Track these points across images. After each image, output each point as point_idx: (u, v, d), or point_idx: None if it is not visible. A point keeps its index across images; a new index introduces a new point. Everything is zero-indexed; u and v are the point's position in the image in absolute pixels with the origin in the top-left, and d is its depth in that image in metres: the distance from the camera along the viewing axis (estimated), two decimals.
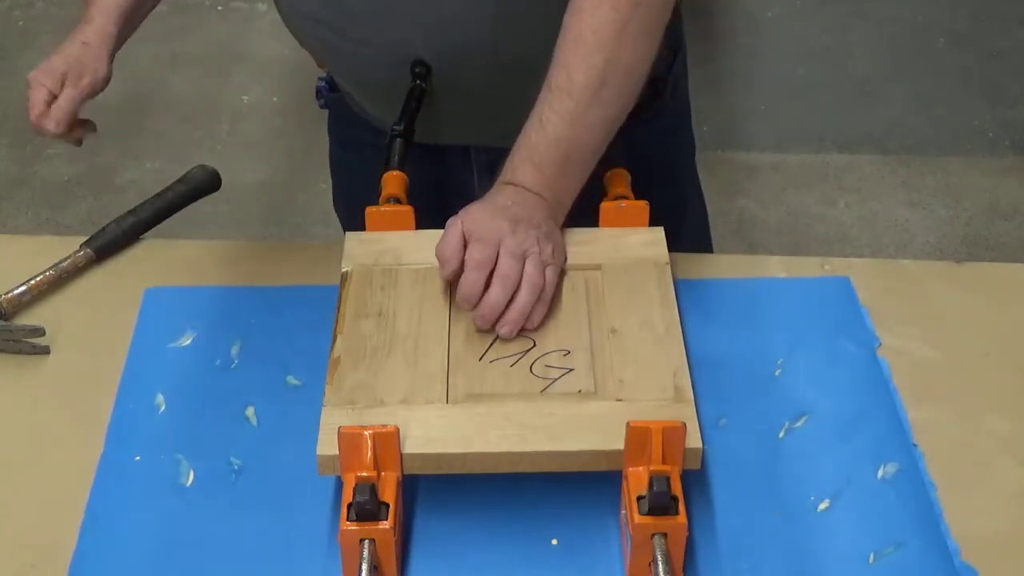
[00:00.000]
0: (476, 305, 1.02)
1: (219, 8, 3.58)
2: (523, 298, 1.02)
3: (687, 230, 1.40)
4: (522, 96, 1.10)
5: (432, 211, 1.15)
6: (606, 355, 1.01)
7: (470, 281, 1.02)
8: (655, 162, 1.31)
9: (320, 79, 1.42)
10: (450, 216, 1.07)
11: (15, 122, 3.15)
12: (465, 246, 1.03)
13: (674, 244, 1.13)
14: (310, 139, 3.02)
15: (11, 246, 1.32)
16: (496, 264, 1.02)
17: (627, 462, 0.91)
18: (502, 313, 1.02)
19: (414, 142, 1.23)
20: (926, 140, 3.03)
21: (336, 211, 1.54)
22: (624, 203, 1.15)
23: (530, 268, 1.03)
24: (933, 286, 1.21)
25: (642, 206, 1.14)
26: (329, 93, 1.39)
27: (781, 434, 1.05)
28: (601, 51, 1.06)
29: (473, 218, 1.04)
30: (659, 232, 1.14)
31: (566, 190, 1.10)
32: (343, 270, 1.11)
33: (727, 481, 1.00)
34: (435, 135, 1.27)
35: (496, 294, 1.02)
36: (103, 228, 1.25)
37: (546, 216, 1.07)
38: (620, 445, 0.91)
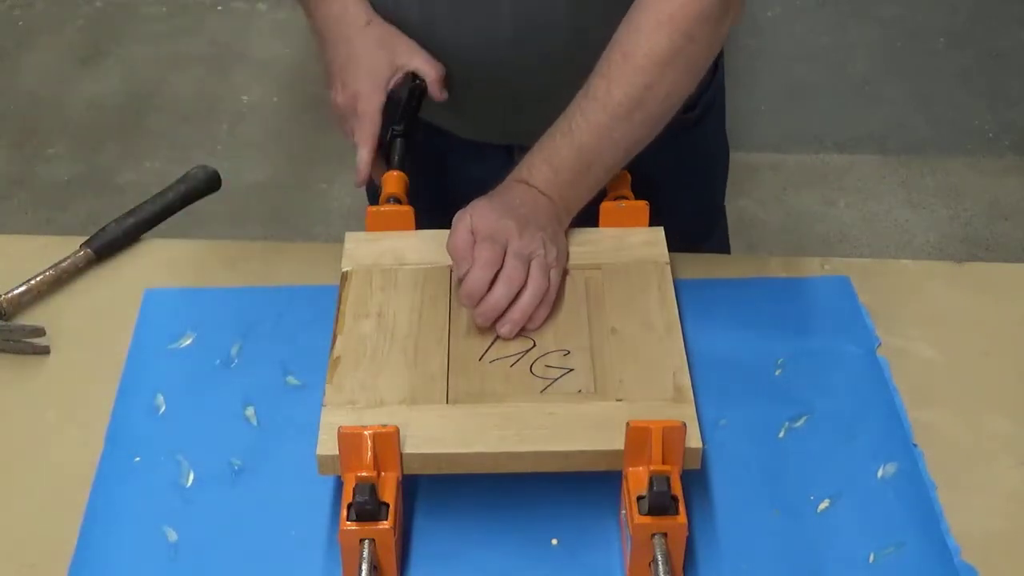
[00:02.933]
0: (478, 303, 1.02)
1: (219, 8, 3.58)
2: (526, 299, 1.02)
3: (711, 245, 1.41)
4: (570, 80, 1.12)
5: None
6: (606, 355, 1.01)
7: (476, 279, 1.02)
8: (692, 174, 1.32)
9: None
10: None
11: (15, 122, 3.15)
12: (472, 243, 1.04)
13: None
14: (310, 139, 3.02)
15: (11, 246, 1.32)
16: (502, 264, 1.02)
17: (627, 462, 0.91)
18: (503, 312, 1.02)
19: (461, 139, 1.25)
20: (926, 140, 3.03)
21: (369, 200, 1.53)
22: (624, 203, 1.15)
23: (535, 271, 1.03)
24: (933, 286, 1.21)
25: (642, 206, 1.14)
26: None
27: (781, 434, 1.05)
28: (646, 74, 1.07)
29: (482, 215, 1.05)
30: (659, 232, 1.14)
31: (576, 199, 1.11)
32: (343, 270, 1.11)
33: (727, 481, 1.00)
34: (485, 133, 1.28)
35: (500, 294, 1.02)
36: (103, 228, 1.25)
37: (552, 219, 1.08)
38: (620, 445, 0.91)
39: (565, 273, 1.09)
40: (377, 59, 1.18)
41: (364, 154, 1.17)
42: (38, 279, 1.19)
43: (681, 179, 1.30)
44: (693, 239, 1.25)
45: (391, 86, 1.18)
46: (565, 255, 1.09)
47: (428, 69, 1.18)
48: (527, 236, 1.04)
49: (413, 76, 1.20)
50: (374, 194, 1.18)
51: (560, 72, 1.17)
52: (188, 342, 1.14)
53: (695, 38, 1.08)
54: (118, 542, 0.96)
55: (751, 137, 3.00)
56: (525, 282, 1.03)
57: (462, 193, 1.32)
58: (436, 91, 1.18)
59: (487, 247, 1.02)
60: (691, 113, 1.31)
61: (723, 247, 1.50)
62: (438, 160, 1.32)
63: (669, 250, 1.12)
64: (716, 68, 1.32)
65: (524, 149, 1.27)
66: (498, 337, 1.03)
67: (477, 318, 1.03)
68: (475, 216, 1.04)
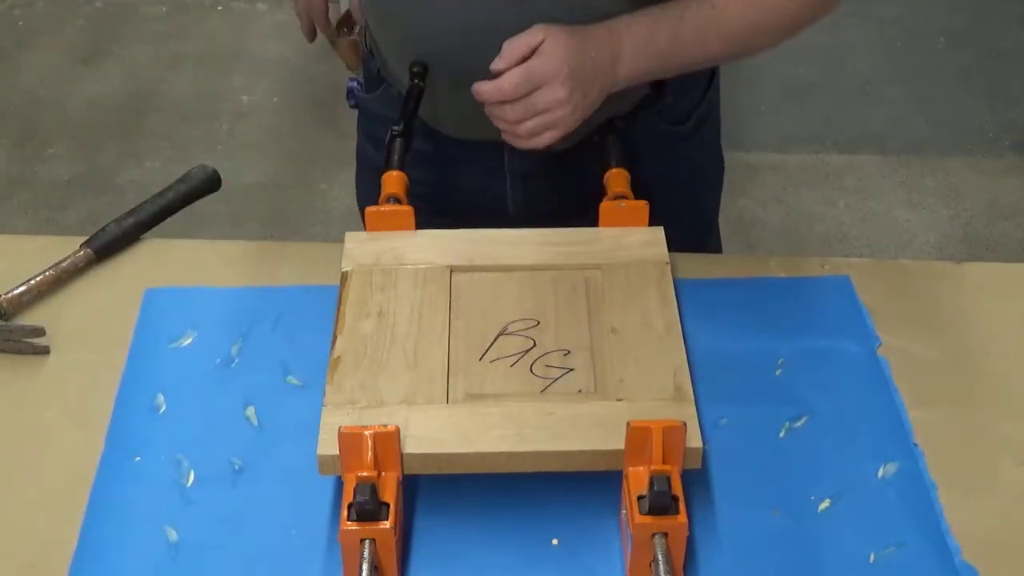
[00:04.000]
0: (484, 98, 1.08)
1: (219, 8, 3.58)
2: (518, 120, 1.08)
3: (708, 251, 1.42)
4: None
5: (461, 214, 1.15)
6: (606, 355, 1.01)
7: (491, 92, 1.08)
8: (684, 186, 1.32)
9: (351, 80, 1.42)
10: (481, 222, 1.12)
11: (15, 122, 3.15)
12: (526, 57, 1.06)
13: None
14: (310, 139, 3.02)
15: (11, 246, 1.32)
16: (526, 95, 1.06)
17: (627, 462, 0.91)
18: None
19: (454, 139, 1.26)
20: (926, 140, 3.03)
21: (359, 207, 1.53)
22: (624, 203, 1.15)
23: (532, 123, 1.08)
24: (933, 286, 1.21)
25: (642, 206, 1.14)
26: (363, 94, 1.38)
27: (781, 434, 1.05)
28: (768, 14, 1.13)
29: (555, 42, 1.06)
30: (659, 232, 1.14)
31: (637, 76, 1.12)
32: (343, 270, 1.11)
33: (727, 481, 1.00)
34: (478, 132, 1.27)
35: (507, 111, 1.08)
36: (103, 228, 1.25)
37: (602, 91, 1.10)
38: (620, 445, 0.91)
39: (564, 272, 1.09)
40: None
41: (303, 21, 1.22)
42: (38, 279, 1.19)
43: (672, 191, 1.29)
44: (684, 251, 1.25)
45: None
46: (578, 124, 1.10)
47: None
48: (564, 95, 1.06)
49: (412, 76, 1.20)
50: (373, 195, 1.18)
51: None
52: (188, 342, 1.14)
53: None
54: (118, 542, 0.96)
55: (751, 137, 3.00)
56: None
57: (459, 193, 1.32)
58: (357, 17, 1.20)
59: (521, 80, 1.06)
60: (683, 126, 1.30)
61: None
62: (434, 160, 1.32)
63: (677, 252, 1.12)
64: (711, 81, 1.32)
65: (517, 156, 1.28)
66: (498, 337, 1.03)
67: (479, 92, 1.08)
68: (549, 42, 1.06)
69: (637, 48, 1.10)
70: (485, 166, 1.29)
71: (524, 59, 1.07)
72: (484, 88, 1.08)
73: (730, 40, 1.14)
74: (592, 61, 1.08)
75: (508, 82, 1.06)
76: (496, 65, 1.07)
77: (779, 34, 1.16)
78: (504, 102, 1.08)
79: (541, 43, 1.06)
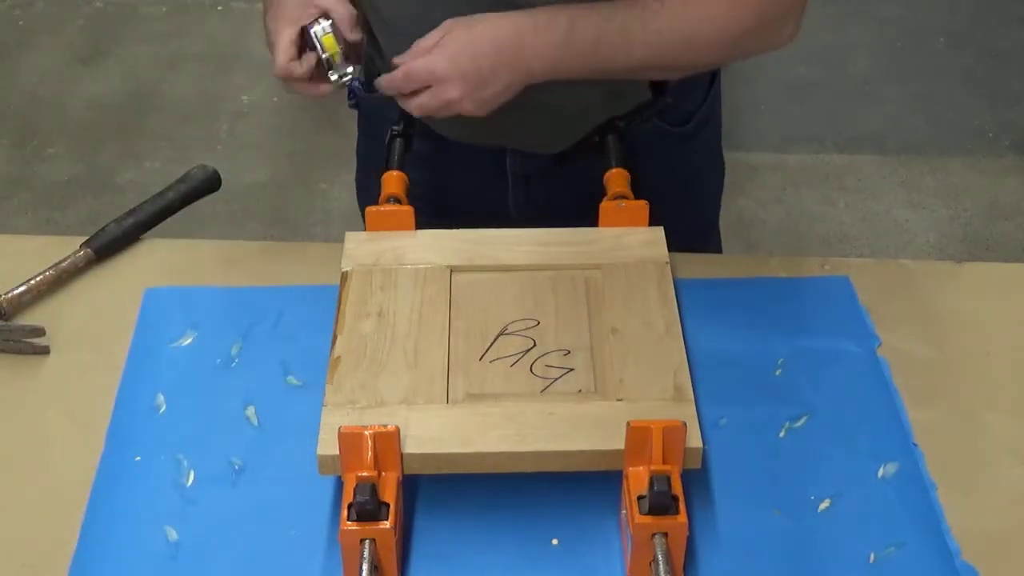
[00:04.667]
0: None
1: (219, 8, 3.58)
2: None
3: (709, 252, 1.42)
4: (574, 104, 1.12)
5: (462, 215, 1.15)
6: (606, 355, 1.01)
7: (394, 84, 1.11)
8: (685, 188, 1.32)
9: (354, 79, 1.41)
10: (481, 222, 1.11)
11: (15, 122, 3.15)
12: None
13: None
14: (310, 139, 3.02)
15: (11, 246, 1.32)
16: (428, 85, 1.09)
17: (627, 462, 0.91)
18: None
19: (455, 142, 1.26)
20: (926, 140, 3.03)
21: (360, 207, 1.53)
22: (624, 203, 1.15)
23: (431, 109, 1.10)
24: (933, 286, 1.21)
25: (642, 206, 1.14)
26: (364, 94, 1.38)
27: (781, 434, 1.05)
28: (697, 32, 1.10)
29: (450, 40, 1.08)
30: (659, 232, 1.14)
31: (555, 72, 1.11)
32: (343, 270, 1.11)
33: (727, 481, 1.00)
34: (478, 136, 1.28)
35: (407, 102, 1.12)
36: (103, 228, 1.25)
37: (510, 85, 1.10)
38: (620, 445, 0.91)
39: (564, 272, 1.09)
40: (295, 3, 1.17)
41: (281, 48, 1.16)
42: (38, 279, 1.19)
43: (673, 192, 1.29)
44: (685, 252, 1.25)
45: (304, 23, 1.16)
46: (491, 108, 1.11)
47: (338, 7, 1.16)
48: (463, 96, 1.08)
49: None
50: (374, 194, 1.18)
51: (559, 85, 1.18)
52: (188, 342, 1.14)
53: (756, 34, 1.11)
54: (118, 542, 0.96)
55: (751, 137, 3.00)
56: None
57: (460, 194, 1.32)
58: (347, 29, 1.15)
59: (404, 78, 1.10)
60: (685, 127, 1.30)
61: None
62: (430, 168, 1.32)
63: (677, 253, 1.12)
64: (712, 83, 1.32)
65: (517, 152, 1.28)
66: (498, 337, 1.03)
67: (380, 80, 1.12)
68: (449, 43, 1.08)
69: (550, 43, 1.08)
70: (486, 167, 1.29)
71: (421, 52, 1.09)
72: (381, 80, 1.12)
73: (657, 50, 1.09)
74: (488, 57, 1.08)
75: (396, 77, 1.10)
76: (396, 59, 1.11)
77: (713, 53, 1.13)
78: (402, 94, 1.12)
79: (444, 37, 1.08)
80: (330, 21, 1.14)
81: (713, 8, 1.09)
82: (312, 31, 1.13)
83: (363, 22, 1.32)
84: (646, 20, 1.08)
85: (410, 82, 1.10)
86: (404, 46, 1.19)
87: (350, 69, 1.16)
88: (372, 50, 1.32)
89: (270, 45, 1.17)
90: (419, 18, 1.15)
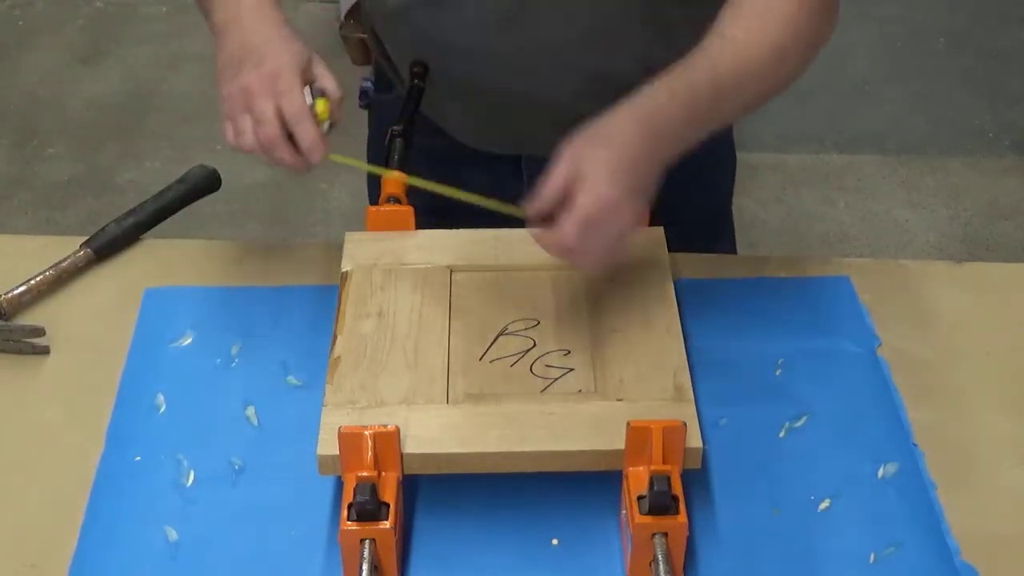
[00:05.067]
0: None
1: None
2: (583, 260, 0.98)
3: (720, 248, 1.41)
4: (584, 99, 1.10)
5: (475, 214, 1.14)
6: (606, 355, 1.01)
7: (562, 246, 0.95)
8: (699, 184, 1.32)
9: (364, 80, 1.41)
10: (495, 223, 1.08)
11: (15, 122, 3.15)
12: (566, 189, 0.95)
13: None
14: None
15: (11, 246, 1.32)
16: (585, 224, 0.94)
17: (627, 462, 0.91)
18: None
19: (470, 148, 1.25)
20: (926, 140, 3.03)
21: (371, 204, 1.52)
22: None
23: (598, 243, 0.96)
24: (933, 286, 1.21)
25: None
26: (377, 95, 1.38)
27: (781, 434, 1.05)
28: (781, 38, 1.05)
29: (595, 172, 0.94)
30: (659, 232, 1.14)
31: (690, 134, 1.02)
32: (343, 270, 1.11)
33: (727, 481, 1.00)
34: (496, 145, 1.28)
35: (575, 252, 0.96)
36: (103, 228, 1.25)
37: (655, 176, 0.99)
38: (620, 445, 0.91)
39: (564, 272, 1.09)
40: (298, 47, 1.05)
41: (311, 131, 1.03)
42: (38, 279, 1.19)
43: (688, 182, 1.30)
44: (701, 243, 1.25)
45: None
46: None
47: (334, 88, 1.06)
48: (628, 216, 0.95)
49: (412, 76, 1.20)
50: (374, 194, 1.18)
51: (574, 87, 1.17)
52: (188, 342, 1.14)
53: (817, 20, 1.09)
54: (118, 542, 0.96)
55: (751, 137, 3.00)
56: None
57: (473, 191, 1.32)
58: (333, 110, 1.06)
59: (581, 230, 0.93)
60: None
61: (731, 251, 1.50)
62: (444, 164, 1.32)
63: (677, 252, 1.12)
64: None
65: (533, 159, 1.27)
66: (498, 337, 1.03)
67: (545, 243, 0.97)
68: (587, 175, 0.94)
69: (684, 121, 1.01)
70: (500, 166, 1.29)
71: (564, 191, 0.95)
72: (546, 242, 0.96)
73: (762, 76, 1.05)
74: (635, 162, 0.96)
75: (569, 238, 0.94)
76: (531, 211, 0.97)
77: (802, 58, 1.09)
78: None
79: (578, 175, 0.94)
80: (319, 87, 1.05)
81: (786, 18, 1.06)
82: (305, 93, 1.03)
83: (368, 27, 1.32)
84: (739, 50, 1.03)
85: (590, 229, 0.94)
86: (407, 43, 1.19)
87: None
88: (378, 51, 1.32)
89: (255, 83, 1.02)
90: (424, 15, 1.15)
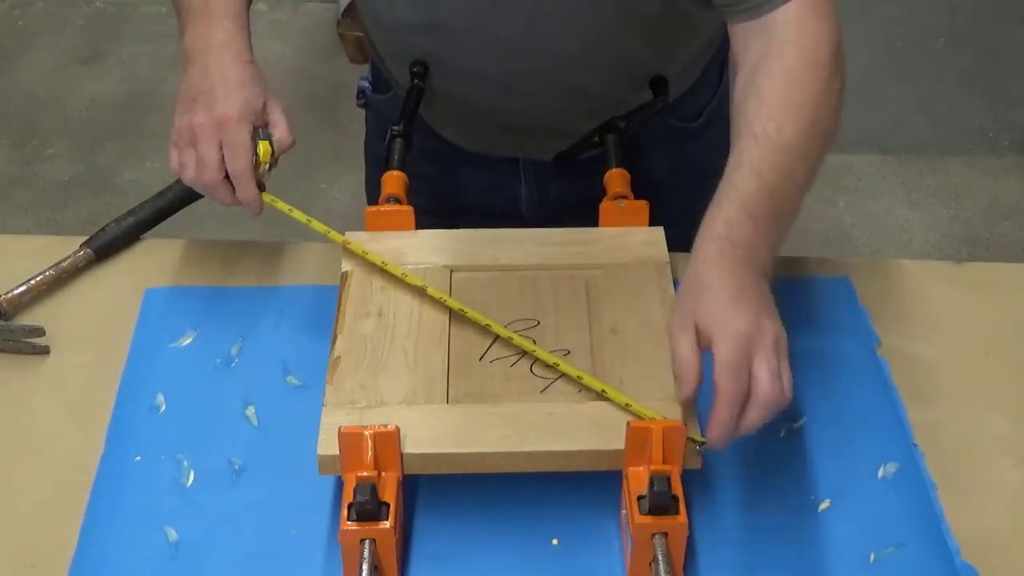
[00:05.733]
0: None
1: None
2: (757, 417, 0.89)
3: None
4: (582, 113, 1.10)
5: (473, 214, 1.15)
6: (606, 355, 1.01)
7: (724, 424, 0.88)
8: (698, 183, 1.32)
9: (363, 79, 1.41)
10: (493, 223, 1.07)
11: (15, 122, 3.15)
12: (699, 346, 0.90)
13: None
14: (310, 139, 3.02)
15: (11, 246, 1.32)
16: (751, 381, 0.88)
17: (627, 462, 0.91)
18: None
19: (468, 151, 1.25)
20: (926, 140, 3.03)
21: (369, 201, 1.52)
22: (624, 203, 1.15)
23: (779, 388, 0.89)
24: (933, 286, 1.21)
25: (642, 206, 1.14)
26: (374, 95, 1.38)
27: (781, 434, 1.05)
28: (808, 111, 1.02)
29: (711, 313, 0.90)
30: (659, 232, 1.14)
31: (775, 245, 0.99)
32: (343, 270, 1.11)
33: (727, 481, 1.00)
34: (494, 148, 1.28)
35: (754, 421, 0.88)
36: (103, 228, 1.25)
37: (768, 291, 0.94)
38: (620, 445, 0.91)
39: (564, 272, 1.09)
40: (253, 93, 1.08)
41: (250, 188, 1.09)
42: (38, 279, 1.19)
43: (686, 187, 1.30)
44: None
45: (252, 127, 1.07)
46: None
47: (284, 135, 1.10)
48: (769, 338, 0.89)
49: (412, 76, 1.20)
50: (373, 195, 1.18)
51: (573, 92, 1.18)
52: (188, 342, 1.14)
53: (837, 72, 1.07)
54: (118, 542, 0.96)
55: None
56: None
57: (465, 197, 1.32)
58: (284, 146, 1.10)
59: (730, 376, 0.88)
60: (696, 122, 1.31)
61: None
62: (444, 165, 1.32)
63: (677, 252, 1.12)
64: (721, 76, 1.32)
65: (531, 161, 1.27)
66: (498, 337, 1.03)
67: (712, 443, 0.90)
68: (702, 316, 0.90)
69: (762, 243, 0.97)
70: (499, 166, 1.29)
71: (695, 363, 0.91)
72: (717, 438, 0.89)
73: (808, 159, 1.03)
74: (735, 291, 0.92)
75: (730, 394, 0.88)
76: (682, 393, 0.91)
77: (837, 105, 1.09)
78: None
79: (696, 323, 0.91)
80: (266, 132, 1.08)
81: (799, 101, 1.03)
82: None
83: (361, 27, 1.33)
84: (777, 147, 1.00)
85: (740, 394, 0.89)
86: (406, 57, 1.19)
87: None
88: (374, 53, 1.32)
89: (203, 123, 1.05)
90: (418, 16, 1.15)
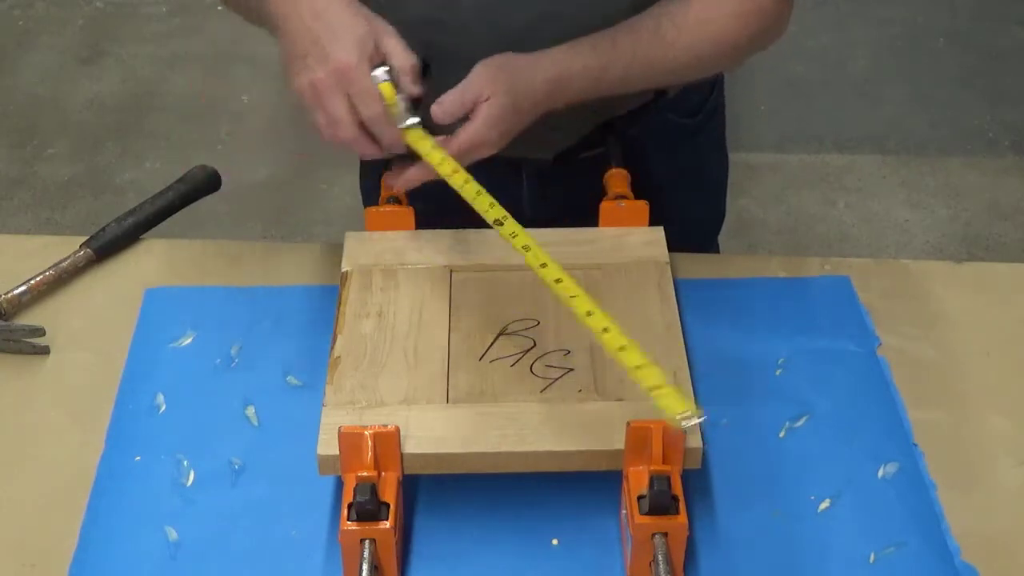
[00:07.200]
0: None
1: (219, 8, 3.57)
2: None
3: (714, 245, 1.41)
4: (586, 108, 1.12)
5: (474, 214, 1.14)
6: (606, 355, 1.01)
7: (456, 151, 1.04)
8: (696, 180, 1.32)
9: None
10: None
11: (15, 122, 3.15)
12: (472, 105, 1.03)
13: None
14: (310, 139, 3.02)
15: (11, 246, 1.32)
16: (457, 152, 1.04)
17: (627, 462, 0.91)
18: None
19: None
20: (926, 140, 3.03)
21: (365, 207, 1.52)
22: (624, 203, 1.15)
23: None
24: (933, 286, 1.21)
25: (642, 206, 1.14)
26: None
27: (781, 434, 1.05)
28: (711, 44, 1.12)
29: (493, 105, 1.03)
30: (659, 232, 1.14)
31: (574, 105, 1.11)
32: (343, 270, 1.11)
33: (728, 481, 1.00)
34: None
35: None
36: (103, 228, 1.25)
37: (520, 123, 1.07)
38: (620, 445, 0.91)
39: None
40: (361, 33, 1.02)
41: (389, 133, 1.04)
42: (38, 279, 1.19)
43: (685, 186, 1.30)
44: (701, 243, 1.25)
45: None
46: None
47: (403, 61, 1.04)
48: (494, 150, 1.05)
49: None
50: (375, 198, 1.18)
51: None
52: (188, 342, 1.14)
53: (755, 39, 1.15)
54: (118, 542, 0.96)
55: (751, 137, 3.00)
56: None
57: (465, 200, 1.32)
58: (408, 82, 1.04)
59: (456, 153, 1.04)
60: (694, 119, 1.31)
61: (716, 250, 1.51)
62: None
63: (677, 252, 1.12)
64: (719, 73, 1.33)
65: (532, 163, 1.27)
66: (498, 337, 1.03)
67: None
68: (484, 109, 1.03)
69: (584, 91, 1.09)
70: (499, 167, 1.29)
71: (464, 107, 1.03)
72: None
73: (675, 74, 1.14)
74: (529, 113, 1.07)
75: (451, 149, 1.04)
76: (434, 112, 1.03)
77: (725, 65, 1.18)
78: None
79: (482, 102, 1.03)
80: (387, 68, 1.02)
81: (724, 30, 1.12)
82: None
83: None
84: (666, 50, 1.10)
85: (463, 154, 1.04)
86: (412, 40, 1.18)
87: (410, 120, 1.04)
88: None
89: (323, 80, 1.01)
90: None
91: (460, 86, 1.04)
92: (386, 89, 1.02)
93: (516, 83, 1.05)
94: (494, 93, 1.04)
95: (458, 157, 1.04)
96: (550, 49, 1.08)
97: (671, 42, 1.10)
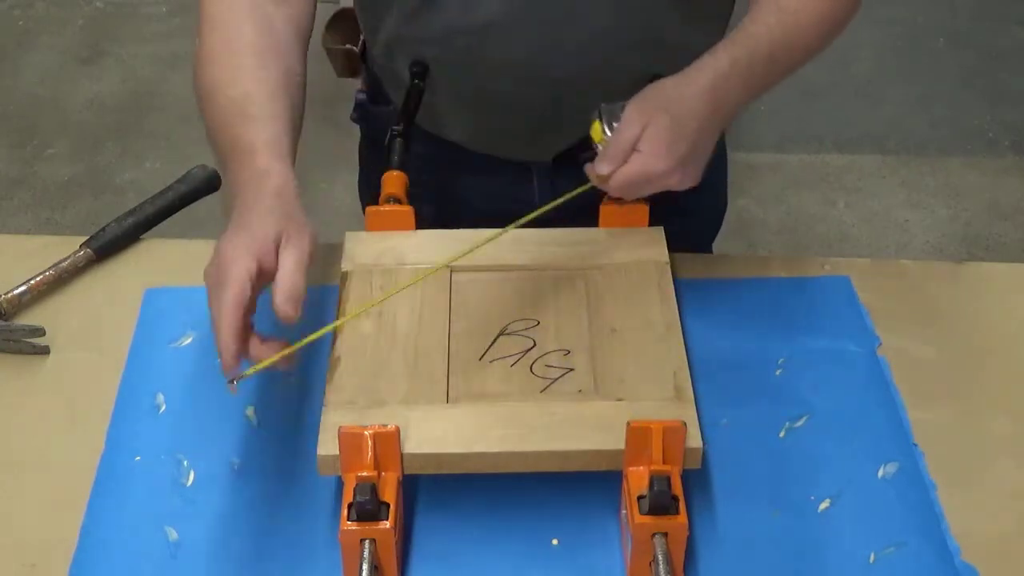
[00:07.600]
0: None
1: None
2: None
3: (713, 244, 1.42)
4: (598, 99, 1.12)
5: (484, 215, 1.14)
6: (606, 355, 1.01)
7: (608, 187, 1.05)
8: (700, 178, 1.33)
9: (359, 92, 1.40)
10: (506, 221, 1.07)
11: (15, 122, 3.15)
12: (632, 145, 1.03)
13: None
14: (310, 139, 3.01)
15: (11, 246, 1.32)
16: (629, 185, 1.04)
17: (627, 462, 0.91)
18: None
19: (478, 154, 1.25)
20: (926, 140, 3.03)
21: (363, 209, 1.52)
22: (624, 203, 1.15)
23: (638, 195, 1.07)
24: (933, 286, 1.21)
25: (642, 206, 1.14)
26: (372, 106, 1.37)
27: (781, 434, 1.05)
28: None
29: (657, 133, 1.02)
30: (659, 232, 1.14)
31: (747, 102, 1.11)
32: (343, 270, 1.11)
33: (727, 481, 1.00)
34: (505, 151, 1.27)
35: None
36: (103, 228, 1.25)
37: (710, 148, 1.07)
38: (620, 445, 0.91)
39: (564, 272, 1.09)
40: (266, 226, 1.01)
41: (225, 335, 0.94)
42: (38, 279, 1.19)
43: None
44: (701, 243, 1.24)
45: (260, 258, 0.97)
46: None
47: (281, 276, 0.98)
48: (674, 181, 1.03)
49: (412, 76, 1.20)
50: (374, 200, 1.18)
51: (587, 97, 1.17)
52: (188, 342, 1.14)
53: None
54: (118, 542, 0.96)
55: (751, 137, 3.00)
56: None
57: (470, 199, 1.32)
58: (278, 303, 0.96)
59: (625, 184, 1.03)
60: None
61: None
62: (448, 169, 1.31)
63: (677, 252, 1.12)
64: None
65: (542, 166, 1.27)
66: (498, 337, 1.03)
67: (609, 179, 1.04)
68: (648, 136, 1.02)
69: (740, 89, 1.08)
70: (508, 169, 1.29)
71: (628, 153, 1.03)
72: (595, 176, 1.05)
73: (808, 50, 1.17)
74: (696, 133, 1.04)
75: (616, 183, 1.04)
76: (600, 169, 1.04)
77: (845, 20, 1.24)
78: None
79: (640, 138, 1.02)
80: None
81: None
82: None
83: (348, 39, 1.31)
84: (795, 23, 1.14)
85: (634, 187, 1.05)
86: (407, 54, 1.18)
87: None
88: (373, 63, 1.32)
89: (210, 273, 0.96)
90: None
91: (614, 134, 1.05)
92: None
93: (670, 103, 1.04)
94: (651, 120, 1.03)
95: (624, 189, 1.05)
96: (691, 65, 1.07)
97: (794, 11, 1.13)
